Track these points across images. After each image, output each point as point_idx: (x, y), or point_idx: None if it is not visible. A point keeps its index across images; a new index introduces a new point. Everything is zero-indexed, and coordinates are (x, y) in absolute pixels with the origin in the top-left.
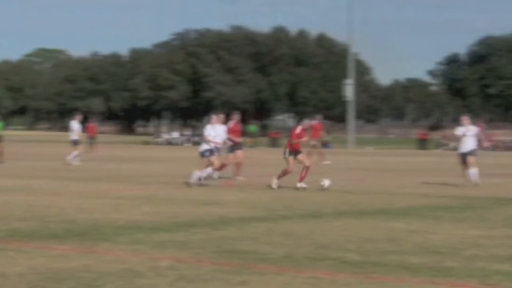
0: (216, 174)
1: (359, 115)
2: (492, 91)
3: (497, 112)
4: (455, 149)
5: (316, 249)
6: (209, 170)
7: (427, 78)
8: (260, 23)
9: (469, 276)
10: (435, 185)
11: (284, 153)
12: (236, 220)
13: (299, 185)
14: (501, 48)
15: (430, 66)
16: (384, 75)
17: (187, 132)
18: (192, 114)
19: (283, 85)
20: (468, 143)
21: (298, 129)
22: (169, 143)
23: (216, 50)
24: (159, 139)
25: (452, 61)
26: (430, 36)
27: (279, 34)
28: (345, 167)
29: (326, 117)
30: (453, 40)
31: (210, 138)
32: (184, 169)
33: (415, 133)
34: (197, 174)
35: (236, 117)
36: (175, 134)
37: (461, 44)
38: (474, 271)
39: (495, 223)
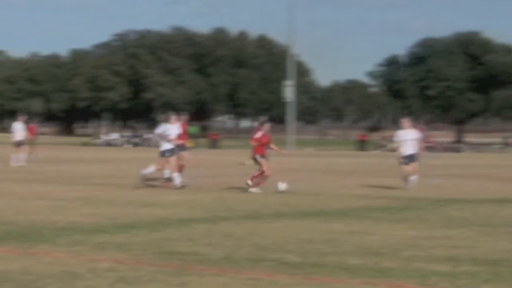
0: (167, 174)
1: (299, 117)
2: (431, 92)
3: (436, 113)
4: (394, 150)
5: (256, 250)
6: (151, 169)
7: (366, 80)
8: (201, 24)
9: (407, 276)
10: (374, 186)
11: (255, 158)
12: (176, 221)
13: (253, 190)
14: (440, 49)
15: (370, 67)
16: (324, 76)
17: (127, 133)
18: (132, 115)
19: (223, 86)
20: (409, 148)
21: (259, 134)
22: (109, 144)
23: (156, 51)
24: (97, 140)
25: (392, 62)
26: (370, 37)
27: (219, 35)
28: (285, 168)
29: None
30: (393, 42)
31: (172, 137)
32: (124, 170)
33: (355, 134)
34: (151, 168)
35: (183, 118)
36: (114, 135)
37: (400, 45)
38: (413, 272)
39: (434, 224)
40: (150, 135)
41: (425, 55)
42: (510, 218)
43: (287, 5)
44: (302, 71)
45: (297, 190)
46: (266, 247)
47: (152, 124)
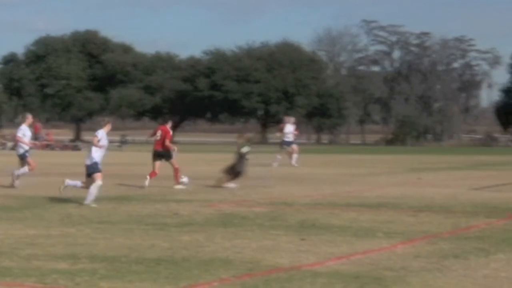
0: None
1: None
2: (49, 91)
3: (55, 111)
4: (13, 148)
5: None
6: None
7: None
8: None
9: (26, 275)
10: None
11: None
12: None
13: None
14: (58, 48)
15: None
16: None
17: None
18: None
19: None
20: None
21: (169, 129)
22: None
23: None
24: None
25: (10, 60)
26: None
27: None
28: None
29: None
30: (13, 40)
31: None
32: None
33: None
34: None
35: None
36: None
37: (20, 43)
38: (32, 271)
39: (53, 222)
40: None
41: (43, 53)
42: (126, 215)
43: None
44: None
45: None
46: None
47: None
